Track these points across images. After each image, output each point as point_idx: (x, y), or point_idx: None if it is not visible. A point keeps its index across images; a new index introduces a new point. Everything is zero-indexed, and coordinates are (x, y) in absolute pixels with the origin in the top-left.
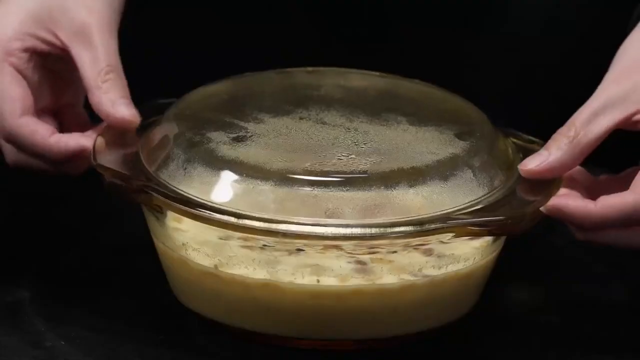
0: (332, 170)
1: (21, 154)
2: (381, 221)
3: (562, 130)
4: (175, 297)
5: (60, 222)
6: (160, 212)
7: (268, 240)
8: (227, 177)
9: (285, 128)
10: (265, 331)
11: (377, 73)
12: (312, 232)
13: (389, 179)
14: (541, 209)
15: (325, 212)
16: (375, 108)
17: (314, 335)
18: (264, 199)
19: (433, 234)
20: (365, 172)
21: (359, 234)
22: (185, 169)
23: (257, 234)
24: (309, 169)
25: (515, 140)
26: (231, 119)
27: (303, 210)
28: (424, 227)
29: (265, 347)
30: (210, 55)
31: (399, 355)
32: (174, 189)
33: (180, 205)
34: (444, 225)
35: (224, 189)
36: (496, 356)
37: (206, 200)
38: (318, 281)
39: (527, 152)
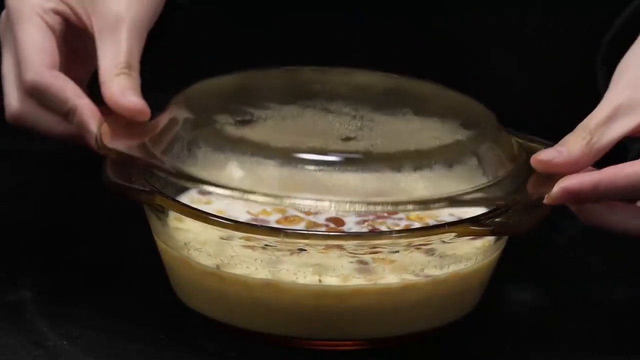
0: (337, 149)
1: (37, 109)
2: (386, 200)
3: (577, 133)
4: (177, 296)
5: (62, 221)
6: (162, 212)
7: (270, 240)
8: (232, 156)
9: (291, 114)
10: (267, 331)
11: (383, 73)
12: (314, 232)
13: (394, 160)
14: (549, 195)
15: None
16: (381, 102)
17: (315, 335)
18: (268, 176)
19: (435, 233)
20: (370, 152)
21: (362, 211)
22: (190, 149)
23: (258, 234)
24: (314, 148)
25: (518, 140)
26: (237, 106)
27: (307, 190)
28: (427, 206)
29: (267, 347)
30: (215, 54)
31: (400, 355)
32: (179, 168)
33: (183, 205)
34: (447, 204)
35: (228, 167)
36: (498, 356)
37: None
38: (320, 281)
39: (530, 151)
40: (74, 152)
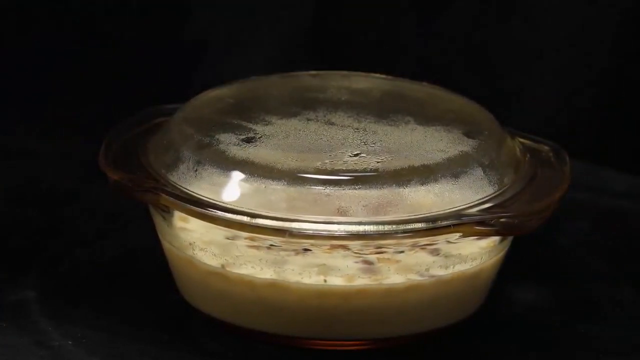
0: (343, 168)
1: None
2: (393, 219)
3: None
4: (181, 296)
5: (66, 222)
6: (167, 212)
7: (275, 240)
8: (238, 178)
9: (294, 129)
10: (272, 331)
11: (381, 75)
12: (320, 230)
13: (400, 176)
14: None
15: (338, 210)
16: (382, 109)
17: (320, 335)
18: (276, 198)
19: (441, 234)
20: (376, 170)
21: (370, 231)
22: (196, 170)
23: (263, 234)
24: (320, 167)
25: (522, 140)
26: (239, 121)
27: (314, 209)
28: (436, 224)
29: (271, 347)
30: (212, 60)
31: (405, 355)
32: (185, 190)
33: (188, 205)
34: (456, 222)
35: (236, 189)
36: (502, 356)
37: (212, 200)
38: (325, 281)
39: (534, 152)
40: (74, 151)
